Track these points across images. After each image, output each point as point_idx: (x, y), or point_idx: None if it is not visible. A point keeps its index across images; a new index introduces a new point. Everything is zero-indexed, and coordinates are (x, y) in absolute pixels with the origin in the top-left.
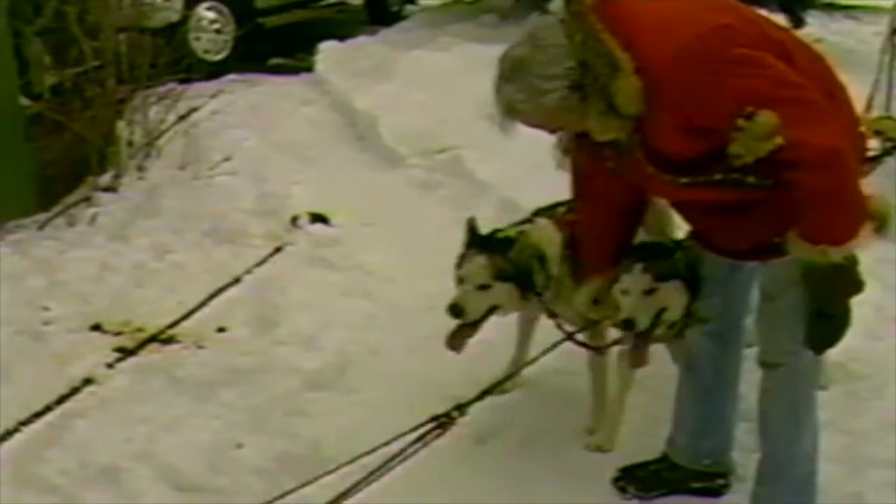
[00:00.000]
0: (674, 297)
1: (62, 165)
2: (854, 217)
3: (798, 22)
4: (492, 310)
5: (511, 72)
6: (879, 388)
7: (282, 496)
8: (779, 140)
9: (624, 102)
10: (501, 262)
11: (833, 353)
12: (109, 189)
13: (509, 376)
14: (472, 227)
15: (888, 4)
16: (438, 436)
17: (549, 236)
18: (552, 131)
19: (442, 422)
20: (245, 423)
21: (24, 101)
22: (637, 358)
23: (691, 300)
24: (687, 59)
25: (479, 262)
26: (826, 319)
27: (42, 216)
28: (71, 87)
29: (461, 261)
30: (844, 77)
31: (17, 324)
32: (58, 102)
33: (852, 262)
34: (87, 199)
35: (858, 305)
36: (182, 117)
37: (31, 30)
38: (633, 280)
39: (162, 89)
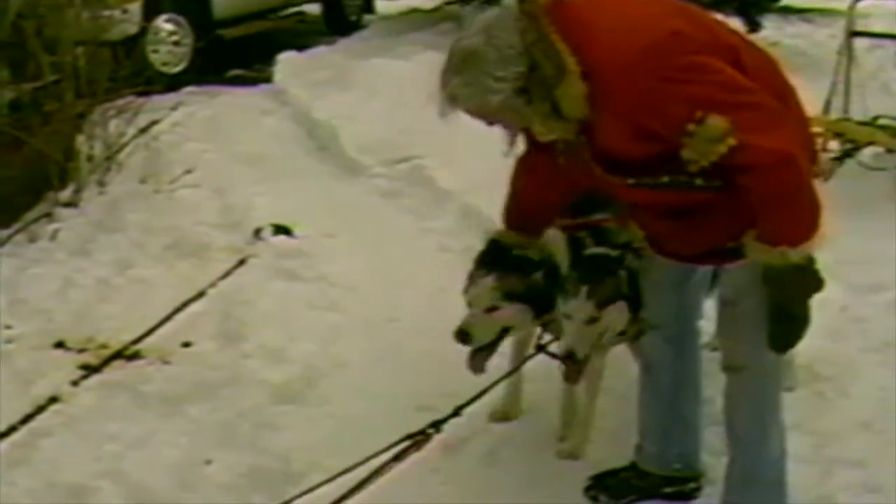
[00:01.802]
0: (615, 318)
1: (22, 181)
2: (809, 217)
3: (754, 26)
4: (505, 331)
5: (461, 64)
6: (845, 388)
7: None
8: (731, 141)
9: (569, 106)
10: (513, 282)
11: (798, 355)
12: (70, 204)
13: (484, 391)
14: (493, 246)
15: (842, 7)
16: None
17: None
18: (491, 124)
19: (417, 440)
20: (213, 439)
21: None
22: (571, 375)
23: (633, 316)
24: (636, 67)
25: (487, 283)
26: (787, 320)
27: (2, 233)
28: (29, 102)
29: (468, 283)
30: (801, 80)
31: None
32: (16, 118)
33: (811, 261)
34: (47, 215)
35: (823, 306)
36: (142, 130)
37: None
38: (578, 307)
39: (121, 103)
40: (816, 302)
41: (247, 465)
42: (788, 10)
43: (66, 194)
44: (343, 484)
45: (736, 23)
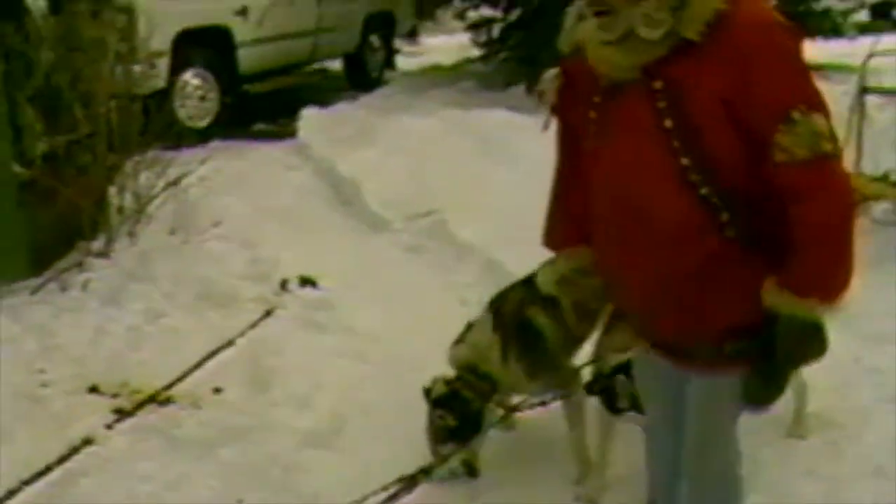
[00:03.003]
0: None
1: (54, 231)
2: (847, 272)
3: None
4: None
5: None
6: (858, 436)
7: None
8: (827, 146)
9: (699, 8)
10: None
11: (810, 403)
12: (101, 255)
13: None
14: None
15: (857, 64)
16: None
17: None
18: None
19: (407, 484)
20: (244, 481)
21: (17, 167)
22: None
23: None
24: (771, 26)
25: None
26: (777, 380)
27: (34, 281)
28: (63, 154)
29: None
30: None
31: (15, 387)
32: (50, 169)
33: (823, 324)
34: (79, 265)
35: (836, 357)
36: (171, 183)
37: (24, 95)
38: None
39: (151, 156)
40: (829, 353)
41: None
42: None
43: (97, 244)
44: None
45: None
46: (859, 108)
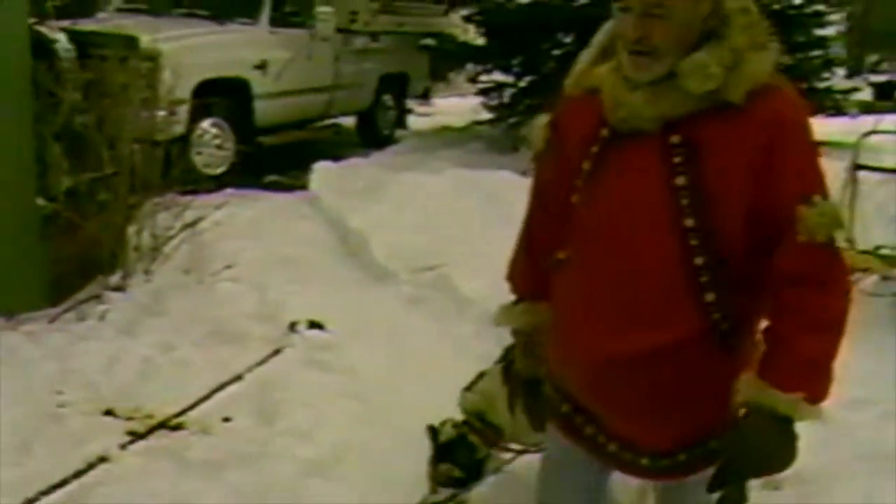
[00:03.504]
0: None
1: (73, 264)
2: (830, 372)
3: None
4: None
5: None
6: (832, 493)
7: None
8: (839, 235)
9: (750, 74)
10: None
11: None
12: (118, 289)
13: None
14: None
15: (852, 140)
16: None
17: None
18: (645, 18)
19: None
20: (253, 500)
21: (41, 201)
22: None
23: None
24: (796, 106)
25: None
26: (740, 484)
27: (52, 311)
28: (85, 191)
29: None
30: None
31: (33, 405)
32: (72, 205)
33: (796, 431)
34: (97, 297)
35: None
36: (188, 225)
37: (51, 129)
38: None
39: (169, 199)
40: None
41: None
42: None
43: (114, 279)
44: None
45: None
46: (852, 183)
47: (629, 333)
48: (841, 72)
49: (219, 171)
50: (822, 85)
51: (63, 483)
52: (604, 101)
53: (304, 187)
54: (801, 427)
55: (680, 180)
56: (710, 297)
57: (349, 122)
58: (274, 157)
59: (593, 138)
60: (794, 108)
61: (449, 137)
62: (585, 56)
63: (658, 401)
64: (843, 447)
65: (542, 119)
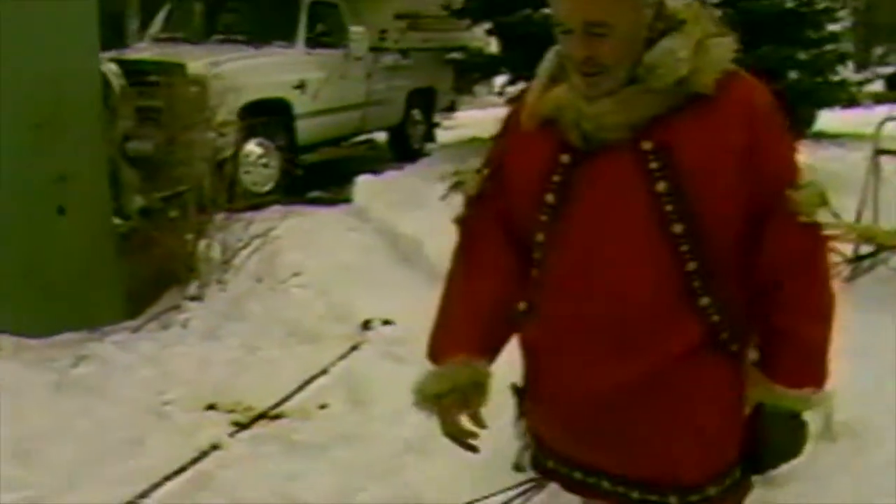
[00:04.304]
0: None
1: (148, 279)
2: (827, 355)
3: None
4: None
5: None
6: (881, 438)
7: None
8: (821, 217)
9: (716, 58)
10: None
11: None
12: (195, 298)
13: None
14: None
15: (871, 132)
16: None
17: None
18: (589, 31)
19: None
20: (359, 476)
21: (117, 220)
22: None
23: None
24: (775, 103)
25: None
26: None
27: (133, 322)
28: (158, 209)
29: None
30: (835, 197)
31: (139, 405)
32: (145, 223)
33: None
34: (176, 307)
35: (859, 381)
36: (258, 237)
37: (131, 151)
38: None
39: (235, 215)
40: (851, 378)
41: (389, 495)
42: (822, 136)
43: (191, 290)
44: None
45: None
46: (875, 167)
47: (624, 361)
48: (850, 65)
49: (265, 188)
50: (836, 78)
51: (182, 470)
52: (564, 123)
53: (346, 200)
54: (848, 389)
55: (660, 186)
56: (705, 301)
57: (381, 137)
58: (313, 174)
59: (552, 167)
60: (763, 92)
61: (477, 148)
62: (535, 86)
63: (668, 427)
64: (889, 402)
65: (473, 164)
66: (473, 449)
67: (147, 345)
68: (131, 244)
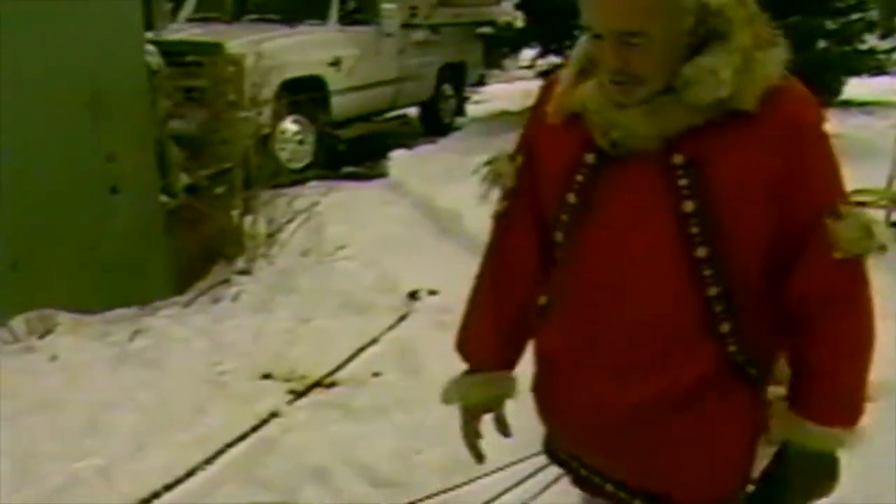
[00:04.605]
0: None
1: (195, 255)
2: (864, 391)
3: None
4: None
5: None
6: None
7: (453, 489)
8: (870, 246)
9: (761, 75)
10: None
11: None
12: (244, 272)
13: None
14: None
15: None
16: None
17: None
18: (622, 44)
19: None
20: (418, 437)
21: (164, 198)
22: None
23: None
24: (811, 106)
25: None
26: None
27: (182, 297)
28: (203, 186)
29: None
30: (863, 165)
31: (198, 375)
32: (192, 200)
33: (838, 456)
34: (225, 282)
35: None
36: (301, 212)
37: (174, 131)
38: None
39: (278, 191)
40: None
41: (449, 455)
42: (849, 104)
43: (239, 265)
44: (517, 472)
45: None
46: None
47: (638, 380)
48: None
49: (301, 164)
50: (863, 47)
51: (244, 436)
52: (591, 124)
53: (381, 175)
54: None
55: (688, 206)
56: (725, 327)
57: (412, 112)
58: (347, 149)
59: (576, 166)
60: (811, 109)
61: (507, 121)
62: (564, 77)
63: (674, 448)
64: None
65: (506, 152)
66: (480, 459)
67: (199, 318)
68: (178, 221)
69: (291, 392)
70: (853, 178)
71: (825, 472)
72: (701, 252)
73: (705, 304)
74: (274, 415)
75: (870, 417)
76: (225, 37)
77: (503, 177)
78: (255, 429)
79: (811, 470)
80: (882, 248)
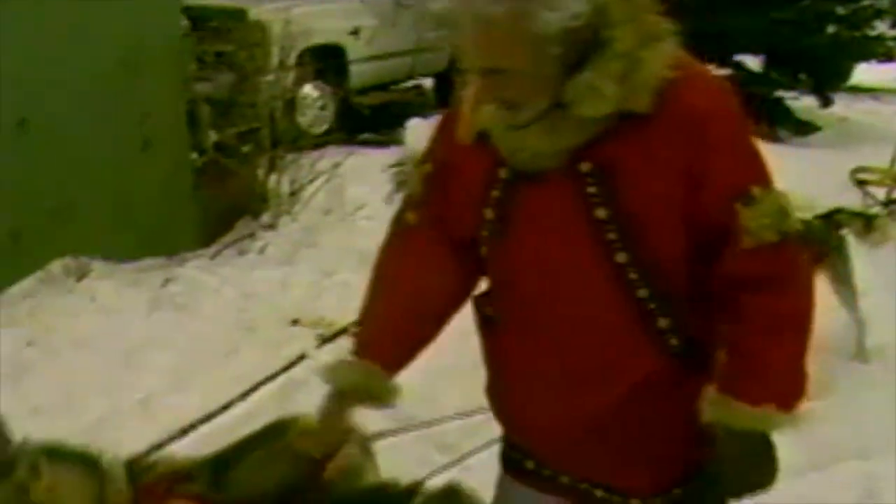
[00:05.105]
0: None
1: (221, 211)
2: (804, 372)
3: (826, 102)
4: None
5: None
6: None
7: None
8: (797, 223)
9: (648, 73)
10: None
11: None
12: (269, 227)
13: None
14: None
15: None
16: None
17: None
18: (489, 72)
19: None
20: (442, 379)
21: (193, 155)
22: None
23: None
24: (725, 94)
25: None
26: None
27: (208, 250)
28: (231, 145)
29: None
30: (870, 149)
31: (228, 322)
32: (220, 157)
33: (774, 442)
34: (251, 236)
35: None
36: (323, 173)
37: (203, 93)
38: None
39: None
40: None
41: (472, 395)
42: (858, 89)
43: (264, 220)
44: None
45: (811, 100)
46: None
47: (585, 387)
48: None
49: (321, 130)
50: (872, 33)
51: (274, 376)
52: (498, 144)
53: (397, 143)
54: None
55: (601, 213)
56: (663, 323)
57: (427, 83)
58: (364, 117)
59: (491, 182)
60: (711, 95)
61: None
62: (467, 98)
63: (632, 447)
64: None
65: (414, 154)
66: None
67: (227, 269)
68: (206, 177)
69: (319, 338)
70: (859, 159)
71: (757, 456)
72: (621, 258)
73: (637, 306)
74: (303, 357)
75: (864, 377)
76: (250, 2)
77: (409, 183)
78: (285, 369)
79: (742, 454)
80: (798, 232)
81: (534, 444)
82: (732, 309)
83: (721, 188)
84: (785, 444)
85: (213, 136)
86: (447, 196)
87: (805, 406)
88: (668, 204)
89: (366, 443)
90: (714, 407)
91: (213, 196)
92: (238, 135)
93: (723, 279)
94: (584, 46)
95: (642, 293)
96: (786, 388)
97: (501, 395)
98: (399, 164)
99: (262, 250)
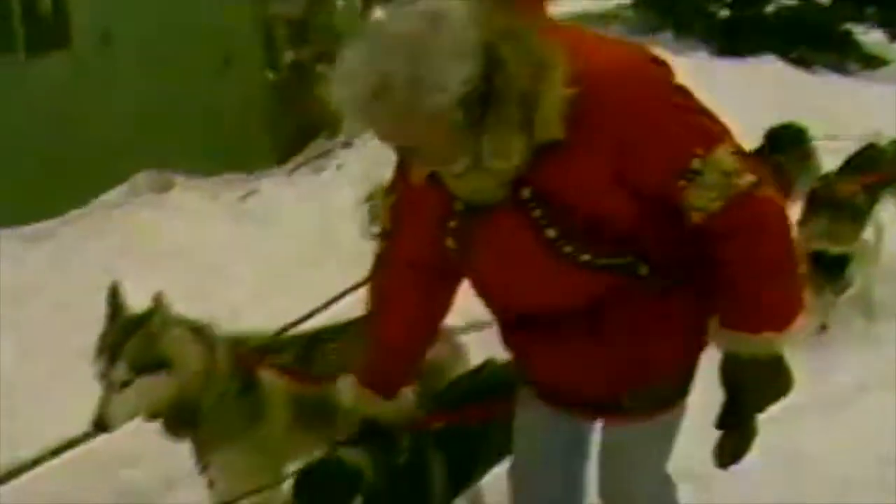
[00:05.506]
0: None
1: (299, 128)
2: (798, 292)
3: (895, 36)
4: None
5: (390, 55)
6: None
7: None
8: (750, 178)
9: (548, 112)
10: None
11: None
12: (346, 145)
13: None
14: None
15: None
16: None
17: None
18: (406, 154)
19: None
20: None
21: (269, 73)
22: None
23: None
24: (633, 79)
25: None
26: (745, 428)
27: (284, 167)
28: (307, 63)
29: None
30: None
31: (309, 234)
32: (296, 76)
33: (783, 356)
34: (327, 153)
35: None
36: None
37: (279, 12)
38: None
39: None
40: None
41: None
42: None
43: (341, 138)
44: None
45: (877, 34)
46: None
47: (580, 336)
48: None
49: None
50: None
51: (357, 286)
52: (446, 183)
53: None
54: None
55: (550, 233)
56: (643, 270)
57: None
58: None
59: (448, 214)
60: (621, 84)
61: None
62: None
63: (592, 357)
64: None
65: (380, 187)
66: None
67: (306, 184)
68: (282, 96)
69: None
70: None
71: (768, 373)
72: (585, 258)
73: (613, 276)
74: None
75: (875, 329)
76: None
77: (379, 217)
78: (367, 281)
79: (754, 374)
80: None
81: (544, 390)
82: (713, 255)
83: (659, 173)
84: None
85: (289, 55)
86: (412, 226)
87: (801, 324)
88: (615, 202)
89: (454, 340)
90: (719, 339)
91: (289, 114)
92: (314, 55)
93: (696, 234)
94: (484, 96)
95: (619, 276)
96: (782, 314)
97: (518, 356)
98: (371, 197)
99: (339, 167)
